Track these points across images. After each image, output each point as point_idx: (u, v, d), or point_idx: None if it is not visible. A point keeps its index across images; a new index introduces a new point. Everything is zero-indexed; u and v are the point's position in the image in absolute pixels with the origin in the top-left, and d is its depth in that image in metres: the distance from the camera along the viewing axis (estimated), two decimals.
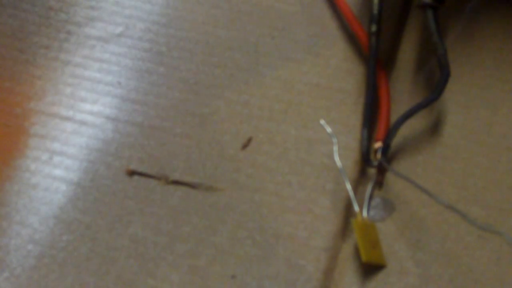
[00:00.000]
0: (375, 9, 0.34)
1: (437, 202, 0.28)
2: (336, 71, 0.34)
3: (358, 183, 0.31)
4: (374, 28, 0.33)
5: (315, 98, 0.34)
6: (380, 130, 0.32)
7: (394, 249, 0.29)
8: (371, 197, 0.31)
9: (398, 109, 0.33)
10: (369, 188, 0.31)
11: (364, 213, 0.30)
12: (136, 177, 0.32)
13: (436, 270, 0.29)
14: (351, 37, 0.35)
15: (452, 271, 0.29)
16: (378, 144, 0.31)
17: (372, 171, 0.31)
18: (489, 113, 0.32)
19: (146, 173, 0.32)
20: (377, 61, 0.33)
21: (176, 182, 0.32)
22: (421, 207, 0.30)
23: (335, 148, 0.32)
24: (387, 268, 0.29)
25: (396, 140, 0.32)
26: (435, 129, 0.32)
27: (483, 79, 0.33)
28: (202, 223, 0.31)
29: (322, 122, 0.33)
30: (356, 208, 0.30)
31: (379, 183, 0.31)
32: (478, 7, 0.35)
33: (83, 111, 0.34)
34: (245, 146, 0.32)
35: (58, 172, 0.32)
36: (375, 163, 0.31)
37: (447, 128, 0.32)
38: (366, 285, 0.29)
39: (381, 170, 0.31)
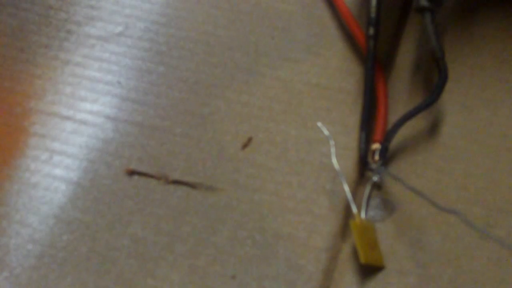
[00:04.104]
0: (373, 12, 0.34)
1: (434, 205, 0.28)
2: (336, 71, 0.34)
3: (357, 184, 0.31)
4: (371, 31, 0.33)
5: (315, 98, 0.34)
6: (378, 132, 0.32)
7: (394, 249, 0.29)
8: (369, 199, 0.31)
9: (397, 110, 0.33)
10: (367, 189, 0.31)
11: (363, 214, 0.30)
12: (136, 177, 0.32)
13: (436, 270, 0.29)
14: (351, 37, 0.35)
15: (452, 271, 0.29)
16: (375, 146, 0.31)
17: (370, 175, 0.31)
18: (489, 113, 0.32)
19: (146, 172, 0.32)
20: (374, 63, 0.33)
21: (176, 182, 0.32)
22: (421, 207, 0.30)
23: (333, 150, 0.32)
24: (387, 268, 0.29)
25: (396, 140, 0.32)
26: (435, 129, 0.32)
27: (483, 79, 0.34)
28: (202, 223, 0.31)
29: (319, 124, 0.33)
30: (354, 209, 0.30)
31: (377, 185, 0.31)
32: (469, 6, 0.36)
33: (83, 110, 0.34)
34: (245, 146, 0.32)
35: (58, 171, 0.32)
36: (373, 165, 0.31)
37: (447, 128, 0.32)
38: (366, 285, 0.29)
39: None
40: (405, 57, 0.35)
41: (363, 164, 0.31)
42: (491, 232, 0.29)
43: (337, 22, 0.36)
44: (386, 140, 0.31)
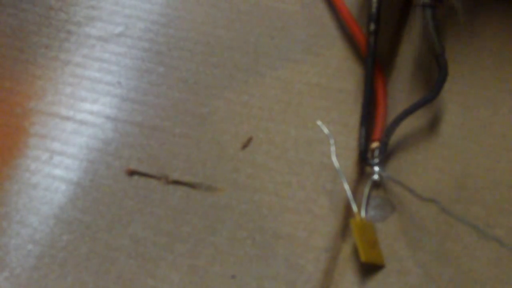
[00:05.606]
0: (374, 8, 0.34)
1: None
2: (336, 71, 0.34)
3: (358, 183, 0.31)
4: (372, 27, 0.33)
5: (315, 98, 0.34)
6: (377, 129, 0.32)
7: (394, 249, 0.29)
8: (369, 198, 0.31)
9: (396, 109, 0.33)
10: (367, 188, 0.31)
11: (363, 213, 0.30)
12: (136, 177, 0.32)
13: (436, 270, 0.29)
14: (351, 37, 0.35)
15: (452, 271, 0.29)
16: (375, 144, 0.31)
17: (370, 171, 0.31)
18: (489, 113, 0.32)
19: (146, 173, 0.32)
20: (375, 60, 0.33)
21: (176, 182, 0.32)
22: (421, 207, 0.30)
23: (332, 148, 0.32)
24: (387, 268, 0.29)
25: (396, 140, 0.32)
26: (435, 128, 0.32)
27: (483, 79, 0.33)
28: (202, 223, 0.31)
29: (319, 123, 0.33)
30: (354, 208, 0.30)
31: (377, 184, 0.31)
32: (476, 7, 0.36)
33: (83, 110, 0.34)
34: (245, 146, 0.32)
35: (58, 171, 0.32)
36: (372, 162, 0.31)
37: (447, 128, 0.32)
38: (366, 285, 0.29)
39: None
40: (406, 55, 0.35)
41: (363, 159, 0.31)
42: (492, 232, 0.29)
43: (337, 22, 0.36)
44: (385, 135, 0.31)
